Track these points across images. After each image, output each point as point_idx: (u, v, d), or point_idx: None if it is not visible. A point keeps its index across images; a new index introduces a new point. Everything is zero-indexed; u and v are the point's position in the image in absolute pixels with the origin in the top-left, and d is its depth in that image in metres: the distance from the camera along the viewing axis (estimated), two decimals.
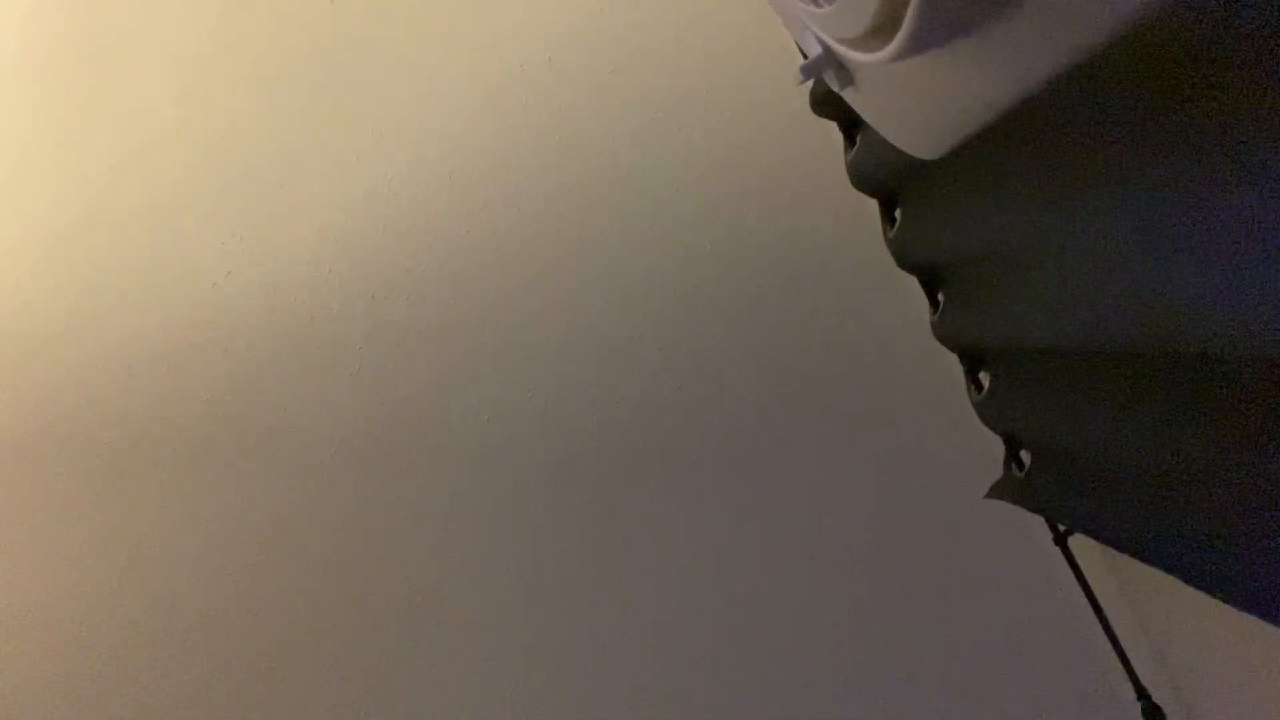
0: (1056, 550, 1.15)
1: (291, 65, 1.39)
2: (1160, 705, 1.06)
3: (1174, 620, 1.08)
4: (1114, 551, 0.96)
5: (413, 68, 1.38)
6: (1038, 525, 1.18)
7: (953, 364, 1.24)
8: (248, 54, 1.39)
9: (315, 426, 1.30)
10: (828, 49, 0.73)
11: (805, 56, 0.77)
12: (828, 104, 1.23)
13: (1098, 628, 1.12)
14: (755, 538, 1.27)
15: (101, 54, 1.38)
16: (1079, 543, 1.14)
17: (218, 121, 1.37)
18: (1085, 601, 1.13)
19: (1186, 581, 0.76)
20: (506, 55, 1.38)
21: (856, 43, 0.62)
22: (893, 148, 0.82)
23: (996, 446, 1.20)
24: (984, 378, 1.20)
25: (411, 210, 1.35)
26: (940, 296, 1.22)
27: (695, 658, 1.22)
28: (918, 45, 0.54)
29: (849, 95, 0.81)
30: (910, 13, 0.51)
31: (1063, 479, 1.02)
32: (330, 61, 1.39)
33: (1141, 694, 1.06)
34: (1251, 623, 0.68)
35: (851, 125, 1.26)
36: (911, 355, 1.29)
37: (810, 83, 1.24)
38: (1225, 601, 0.71)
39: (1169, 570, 0.79)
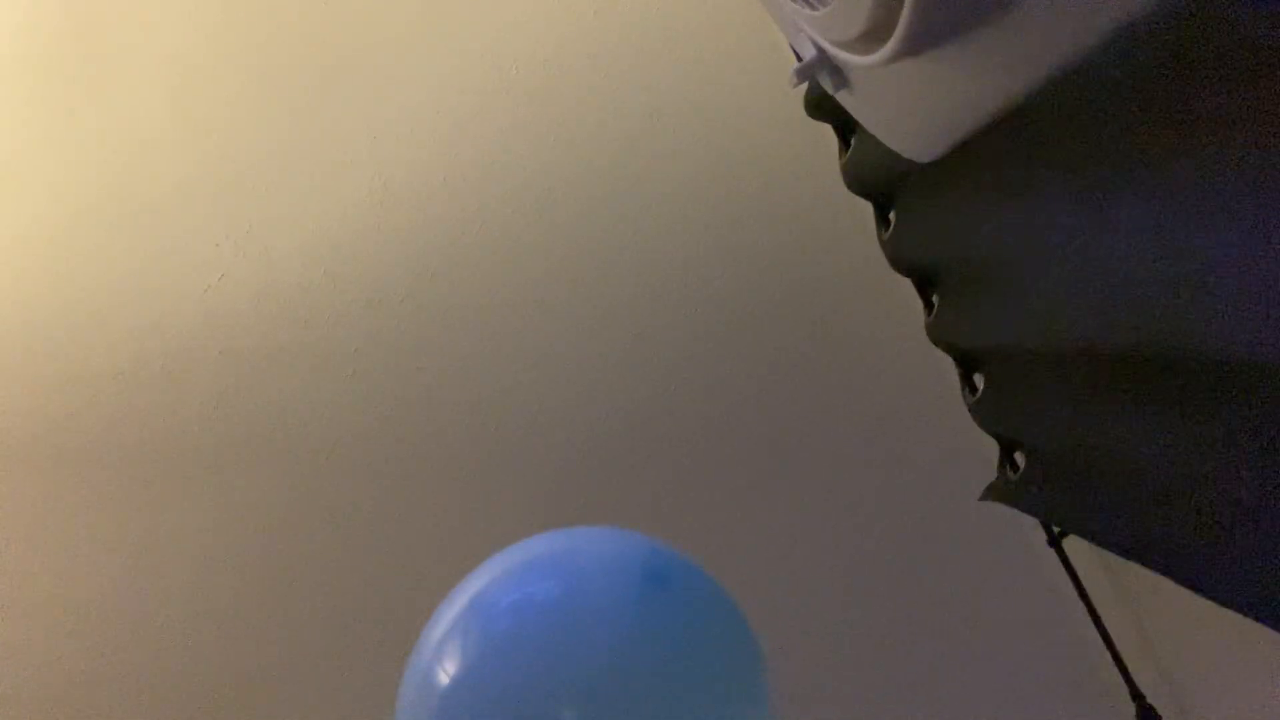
0: (1051, 552, 1.15)
1: (286, 68, 1.38)
2: (1155, 706, 1.06)
3: (1168, 622, 1.09)
4: (1108, 553, 0.97)
5: (408, 71, 1.38)
6: (1032, 527, 1.18)
7: (947, 366, 1.24)
8: (242, 57, 1.39)
9: (310, 429, 1.30)
10: (822, 51, 0.73)
11: (800, 59, 0.77)
12: (822, 107, 1.24)
13: (1092, 629, 1.12)
14: (748, 541, 1.27)
15: (94, 55, 1.38)
16: (1073, 544, 1.14)
17: (212, 124, 1.37)
18: (1080, 603, 1.13)
19: (1180, 583, 0.76)
20: (501, 58, 1.38)
21: (851, 45, 0.62)
22: (887, 150, 0.82)
23: (990, 448, 1.20)
24: (978, 380, 1.20)
25: (406, 213, 1.35)
26: (934, 298, 1.22)
27: None
28: (912, 48, 0.54)
29: (843, 98, 0.81)
30: (904, 16, 0.51)
31: (1057, 481, 1.02)
32: (325, 64, 1.39)
33: (1136, 695, 1.07)
34: (1245, 624, 0.69)
35: (846, 128, 1.26)
36: (906, 357, 1.29)
37: (805, 85, 1.24)
38: (1219, 603, 0.71)
39: (1163, 572, 0.79)
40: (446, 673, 0.48)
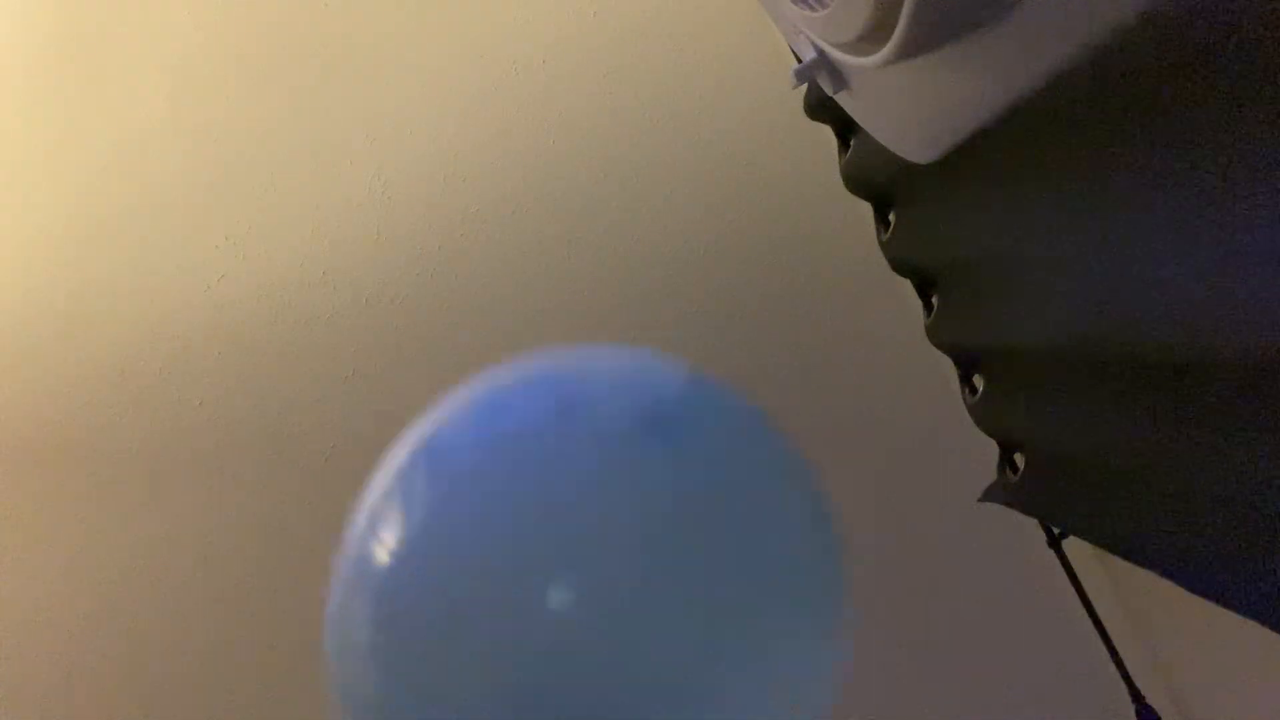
0: (1051, 553, 1.15)
1: (285, 66, 1.38)
2: (1155, 708, 1.06)
3: (1168, 624, 1.08)
4: (1108, 555, 0.97)
5: (407, 69, 1.38)
6: (1032, 528, 1.18)
7: (946, 367, 1.24)
8: (241, 55, 1.39)
9: (310, 430, 1.30)
10: (822, 53, 0.73)
11: (799, 60, 0.77)
12: (822, 108, 1.24)
13: (1092, 631, 1.12)
14: None
15: (91, 54, 1.38)
16: (1073, 546, 1.14)
17: (211, 123, 1.37)
18: (1080, 605, 1.13)
19: (1180, 584, 0.76)
20: (501, 57, 1.38)
21: (850, 47, 0.62)
22: (887, 151, 0.82)
23: (990, 449, 1.20)
24: (978, 381, 1.20)
25: (406, 212, 1.35)
26: (934, 299, 1.22)
27: None
28: (911, 49, 0.54)
29: (843, 99, 0.81)
30: (904, 17, 0.51)
31: (1057, 482, 1.02)
32: (324, 63, 1.39)
33: (1136, 697, 1.06)
34: (1245, 624, 0.69)
35: (846, 129, 1.26)
36: (905, 358, 1.29)
37: (804, 86, 1.24)
38: (1219, 605, 0.71)
39: (1163, 574, 0.79)
40: (385, 546, 0.30)
